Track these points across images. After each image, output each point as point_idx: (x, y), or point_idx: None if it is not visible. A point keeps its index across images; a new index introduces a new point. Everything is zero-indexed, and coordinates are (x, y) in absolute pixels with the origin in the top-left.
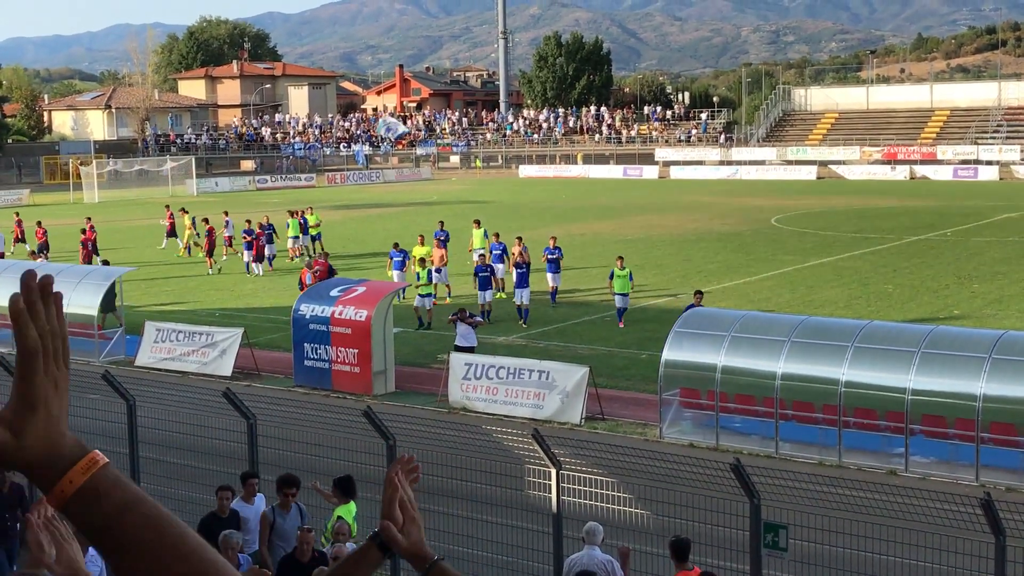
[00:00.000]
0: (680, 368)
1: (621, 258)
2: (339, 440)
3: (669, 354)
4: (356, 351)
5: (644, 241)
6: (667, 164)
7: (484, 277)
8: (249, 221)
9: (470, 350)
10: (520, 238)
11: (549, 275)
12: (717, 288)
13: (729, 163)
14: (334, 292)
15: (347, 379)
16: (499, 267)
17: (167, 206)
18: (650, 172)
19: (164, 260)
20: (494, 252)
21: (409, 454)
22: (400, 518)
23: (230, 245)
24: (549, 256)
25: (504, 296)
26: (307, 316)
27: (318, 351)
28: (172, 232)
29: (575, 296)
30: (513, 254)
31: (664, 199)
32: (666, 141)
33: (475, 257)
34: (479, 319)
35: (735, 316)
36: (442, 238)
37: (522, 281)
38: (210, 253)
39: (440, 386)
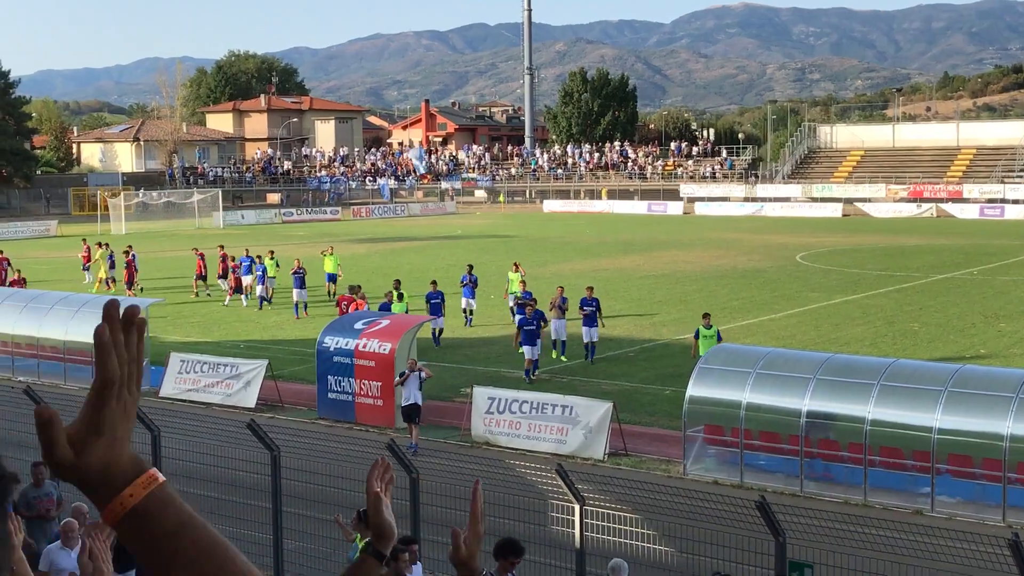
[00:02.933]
0: (705, 404)
1: (707, 315)
2: (362, 473)
3: (694, 390)
4: (380, 384)
5: (669, 277)
6: (692, 200)
7: (530, 331)
8: (222, 247)
9: (415, 409)
10: (561, 288)
11: (585, 329)
12: (742, 324)
13: (754, 200)
14: (358, 325)
15: (370, 412)
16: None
17: (84, 239)
18: (675, 208)
19: (185, 290)
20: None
21: (385, 461)
22: (389, 525)
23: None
24: (586, 308)
25: (562, 358)
26: (331, 348)
27: (342, 384)
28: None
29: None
30: (556, 296)
31: (689, 235)
32: (691, 177)
33: (511, 303)
34: (424, 372)
35: (760, 353)
36: (467, 282)
37: (589, 323)
38: (129, 285)
39: (463, 420)
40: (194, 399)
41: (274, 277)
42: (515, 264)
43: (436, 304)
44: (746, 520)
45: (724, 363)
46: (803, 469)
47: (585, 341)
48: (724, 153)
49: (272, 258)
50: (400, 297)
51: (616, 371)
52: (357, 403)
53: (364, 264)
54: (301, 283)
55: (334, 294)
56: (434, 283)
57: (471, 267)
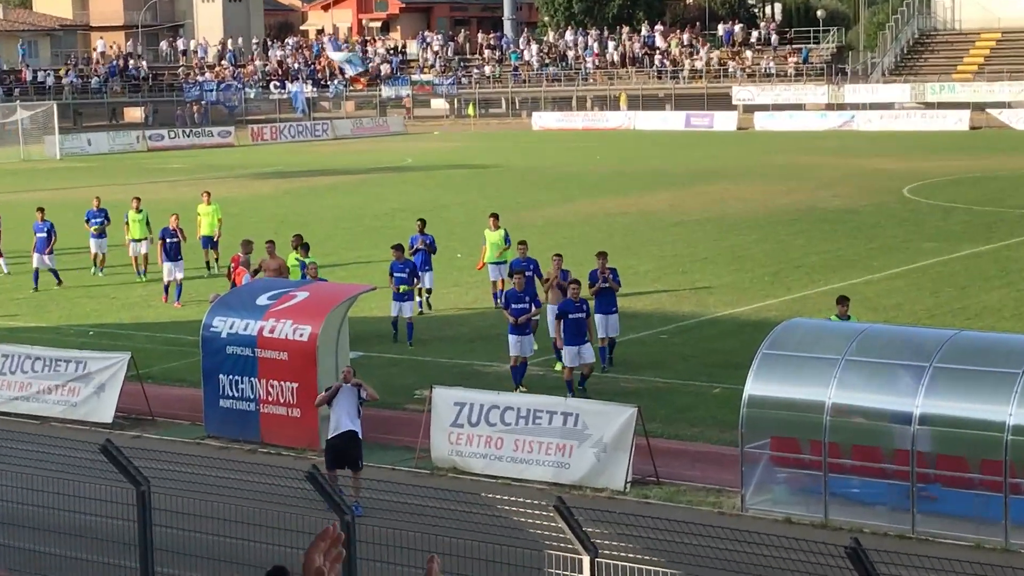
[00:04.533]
0: (771, 408)
1: (845, 301)
2: (271, 517)
3: (755, 387)
4: (295, 386)
5: (717, 223)
6: (749, 109)
7: (578, 321)
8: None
9: (351, 443)
10: (559, 256)
11: (599, 317)
12: (824, 290)
13: (840, 107)
14: (263, 299)
15: (283, 427)
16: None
17: None
18: (725, 121)
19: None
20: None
21: (337, 530)
22: None
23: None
24: (601, 285)
25: (559, 369)
26: (223, 335)
27: (240, 386)
28: None
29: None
30: (548, 277)
31: (745, 160)
32: (748, 76)
33: (496, 277)
34: (366, 391)
35: (850, 331)
36: (419, 246)
37: (605, 306)
38: None
39: (419, 436)
40: (21, 411)
41: (144, 239)
42: (492, 217)
43: (400, 277)
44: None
45: (799, 347)
46: (915, 499)
47: (600, 336)
48: (797, 41)
49: (139, 211)
50: (305, 268)
51: (641, 361)
52: (263, 414)
53: (268, 211)
54: (176, 253)
55: (216, 263)
56: (399, 248)
57: (423, 224)
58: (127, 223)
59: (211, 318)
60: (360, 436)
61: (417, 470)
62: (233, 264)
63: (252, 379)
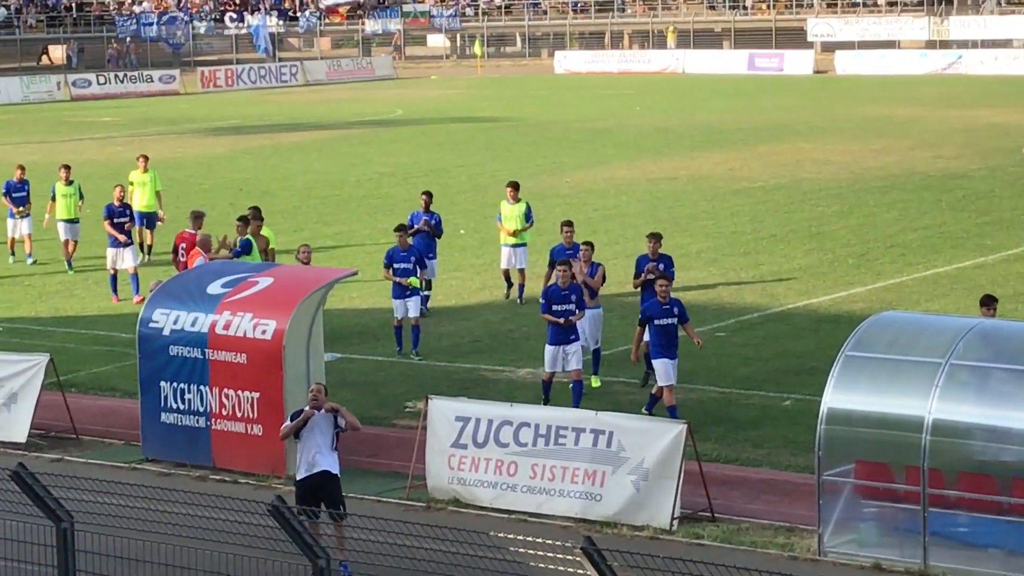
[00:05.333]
0: (856, 425)
1: (991, 302)
2: (225, 562)
3: (836, 399)
4: (256, 396)
5: (789, 189)
6: (829, 48)
7: (668, 328)
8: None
9: (329, 483)
10: (590, 244)
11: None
12: (924, 275)
13: (945, 45)
14: (215, 287)
15: (240, 448)
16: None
17: None
18: (798, 62)
19: None
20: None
21: None
22: None
23: None
24: (647, 277)
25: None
26: (165, 332)
27: (186, 397)
28: None
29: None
30: (578, 265)
31: (824, 113)
32: (828, 6)
33: (506, 263)
34: (344, 421)
35: (956, 328)
36: (422, 227)
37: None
38: None
39: (412, 460)
40: None
41: (74, 221)
42: (511, 186)
43: (406, 269)
44: None
45: (890, 348)
46: None
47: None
48: None
49: (69, 182)
50: (246, 246)
51: (693, 366)
52: (215, 432)
53: (222, 176)
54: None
55: (150, 247)
56: (403, 229)
57: (429, 198)
58: (53, 198)
59: (150, 311)
60: (338, 475)
61: (409, 502)
62: (183, 245)
63: (202, 388)
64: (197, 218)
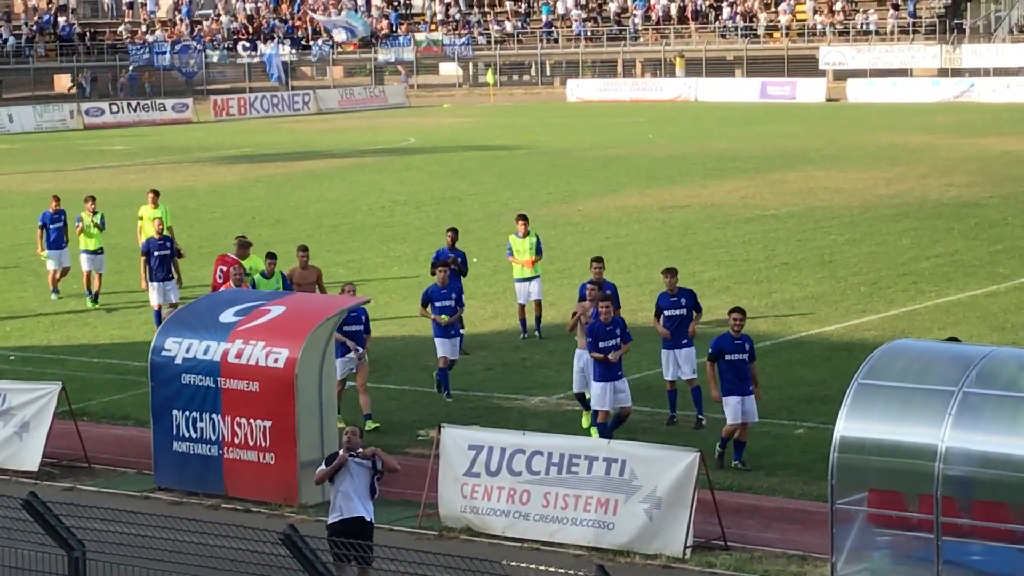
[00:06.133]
0: (869, 453)
1: None
2: None
3: (849, 427)
4: (268, 424)
5: (801, 217)
6: (841, 76)
7: (740, 364)
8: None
9: (361, 529)
10: (599, 260)
11: (664, 353)
12: (938, 303)
13: (957, 73)
14: (228, 315)
15: (253, 476)
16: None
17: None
18: (811, 90)
19: None
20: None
21: None
22: None
23: None
24: (667, 312)
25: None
26: (177, 360)
27: (199, 425)
28: None
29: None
30: (577, 311)
31: (837, 140)
32: (840, 34)
33: (521, 298)
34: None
35: (970, 356)
36: (444, 264)
37: (672, 339)
38: None
39: (424, 488)
40: None
41: (97, 252)
42: (521, 219)
43: (446, 306)
44: None
45: (903, 375)
46: None
47: (668, 378)
48: None
49: (95, 212)
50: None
51: (705, 393)
52: (227, 461)
53: (234, 204)
54: (166, 270)
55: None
56: (445, 265)
57: (455, 236)
58: (81, 228)
59: (163, 339)
60: (372, 521)
61: (421, 531)
62: (222, 268)
63: (214, 416)
64: (243, 247)
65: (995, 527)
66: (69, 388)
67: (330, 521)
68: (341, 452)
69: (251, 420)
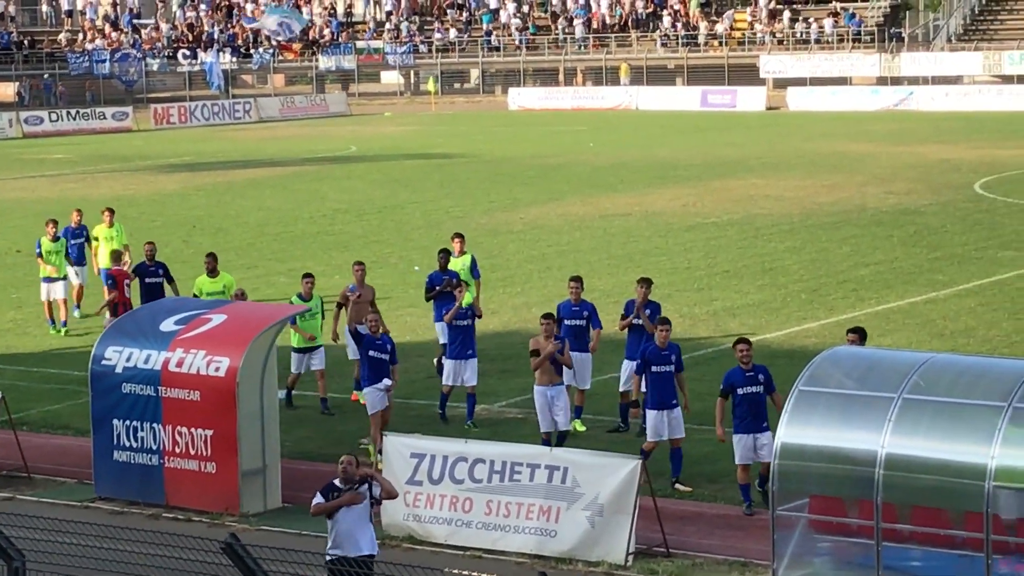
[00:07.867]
0: (810, 460)
1: None
2: None
3: (789, 434)
4: (210, 434)
5: (742, 225)
6: (781, 84)
7: (755, 397)
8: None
9: (365, 562)
10: (578, 280)
11: (626, 363)
12: (877, 310)
13: (896, 82)
14: (168, 324)
15: (194, 486)
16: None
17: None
18: (751, 99)
19: None
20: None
21: None
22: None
23: None
24: (634, 320)
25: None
26: (117, 369)
27: (139, 435)
28: None
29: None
30: (537, 346)
31: (777, 148)
32: (779, 43)
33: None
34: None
35: (909, 363)
36: (439, 288)
37: (634, 350)
38: None
39: None
40: None
41: (61, 279)
42: (457, 238)
43: (464, 328)
44: None
45: (843, 383)
46: (991, 573)
47: (622, 389)
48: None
49: (112, 225)
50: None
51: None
52: (168, 470)
53: (175, 213)
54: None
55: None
56: (451, 280)
57: (447, 256)
58: (40, 254)
59: (102, 348)
60: (374, 554)
61: None
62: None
63: (155, 425)
64: (116, 254)
65: (935, 533)
66: (8, 397)
67: (328, 557)
68: (343, 489)
69: (192, 429)
